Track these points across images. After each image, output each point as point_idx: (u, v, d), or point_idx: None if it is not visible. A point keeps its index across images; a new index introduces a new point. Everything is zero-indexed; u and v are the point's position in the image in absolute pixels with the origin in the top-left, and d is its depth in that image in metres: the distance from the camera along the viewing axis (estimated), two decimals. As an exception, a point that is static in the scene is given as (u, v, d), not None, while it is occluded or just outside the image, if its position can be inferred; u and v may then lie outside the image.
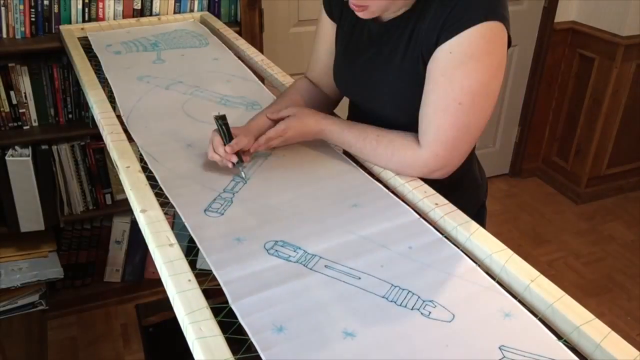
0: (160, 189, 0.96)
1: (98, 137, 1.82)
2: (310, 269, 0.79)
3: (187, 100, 1.27)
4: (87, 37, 1.62)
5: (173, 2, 1.82)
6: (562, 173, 2.98)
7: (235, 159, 0.99)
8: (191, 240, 0.86)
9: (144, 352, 1.70)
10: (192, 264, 0.79)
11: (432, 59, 0.94)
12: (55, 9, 1.70)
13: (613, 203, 2.91)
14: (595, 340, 0.68)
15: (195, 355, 0.65)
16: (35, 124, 1.80)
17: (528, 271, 0.78)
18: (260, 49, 1.95)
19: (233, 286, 0.75)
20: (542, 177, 3.09)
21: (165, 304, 1.39)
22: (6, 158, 1.72)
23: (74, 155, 1.85)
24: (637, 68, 2.64)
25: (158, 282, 1.33)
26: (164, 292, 0.75)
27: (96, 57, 1.48)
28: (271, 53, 2.20)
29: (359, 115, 1.12)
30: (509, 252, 0.82)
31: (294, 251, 0.83)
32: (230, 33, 1.67)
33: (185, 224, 0.88)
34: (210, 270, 0.78)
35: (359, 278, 0.78)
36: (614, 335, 0.68)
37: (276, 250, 0.83)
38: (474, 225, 0.88)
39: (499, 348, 0.68)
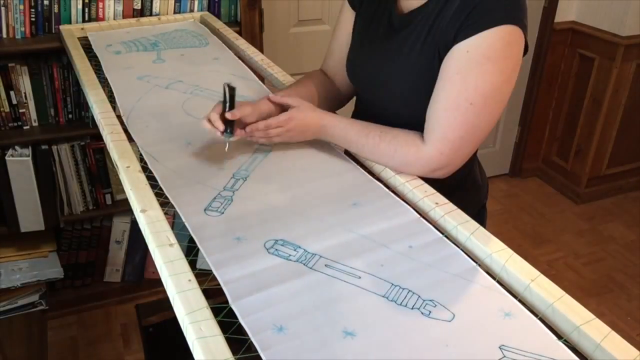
0: (160, 188, 0.96)
1: (98, 137, 1.82)
2: (311, 268, 0.79)
3: (187, 100, 1.27)
4: (87, 37, 1.62)
5: (173, 2, 1.82)
6: (562, 173, 2.98)
7: (221, 127, 0.98)
8: (191, 240, 0.85)
9: (144, 352, 1.70)
10: (192, 264, 0.79)
11: (448, 56, 0.94)
12: (55, 9, 1.70)
13: (613, 203, 2.91)
14: (596, 340, 0.68)
15: (195, 355, 0.65)
16: (35, 124, 1.80)
17: (528, 271, 0.78)
18: (260, 49, 1.95)
19: (233, 286, 0.75)
20: (542, 177, 3.09)
21: (165, 304, 1.39)
22: (6, 158, 1.72)
23: (74, 155, 1.85)
24: (637, 68, 2.64)
25: (158, 282, 1.33)
26: (164, 292, 0.75)
27: (96, 57, 1.48)
28: (271, 53, 2.20)
29: (365, 110, 1.12)
30: (509, 251, 0.82)
31: (294, 250, 0.83)
32: (230, 33, 1.67)
33: (185, 223, 0.88)
34: (210, 270, 0.78)
35: (359, 277, 0.78)
36: (614, 335, 0.68)
37: (276, 250, 0.83)
38: (474, 224, 0.88)
39: (499, 348, 0.68)
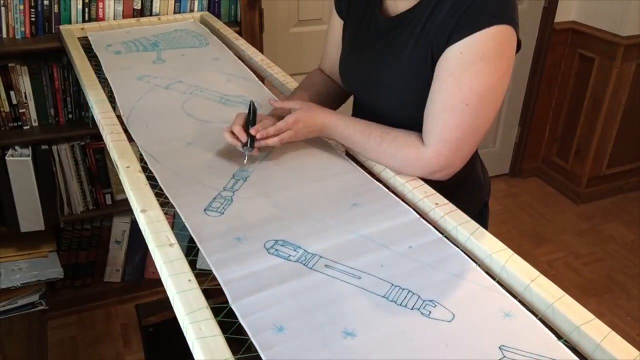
0: (160, 189, 0.96)
1: (98, 137, 1.82)
2: (311, 268, 0.79)
3: (187, 100, 1.27)
4: (87, 37, 1.62)
5: (173, 2, 1.82)
6: (562, 173, 2.98)
7: (245, 139, 1.00)
8: (191, 240, 0.85)
9: (144, 352, 1.70)
10: (192, 264, 0.79)
11: (442, 58, 0.94)
12: (55, 9, 1.70)
13: (613, 203, 2.91)
14: (596, 340, 0.68)
15: (195, 355, 0.65)
16: (35, 124, 1.80)
17: (528, 271, 0.78)
18: (260, 49, 1.95)
19: (233, 286, 0.75)
20: (542, 177, 3.09)
21: (165, 304, 1.39)
22: (6, 158, 1.72)
23: (74, 155, 1.85)
24: (637, 68, 2.64)
25: (158, 282, 1.33)
26: (164, 292, 0.75)
27: (96, 57, 1.48)
28: (271, 53, 2.20)
29: (362, 112, 1.12)
30: (509, 251, 0.82)
31: (294, 250, 0.83)
32: (230, 33, 1.67)
33: (185, 223, 0.88)
34: (210, 270, 0.78)
35: (359, 277, 0.78)
36: (614, 335, 0.68)
37: (276, 250, 0.83)
38: (474, 225, 0.88)
39: (499, 348, 0.68)
